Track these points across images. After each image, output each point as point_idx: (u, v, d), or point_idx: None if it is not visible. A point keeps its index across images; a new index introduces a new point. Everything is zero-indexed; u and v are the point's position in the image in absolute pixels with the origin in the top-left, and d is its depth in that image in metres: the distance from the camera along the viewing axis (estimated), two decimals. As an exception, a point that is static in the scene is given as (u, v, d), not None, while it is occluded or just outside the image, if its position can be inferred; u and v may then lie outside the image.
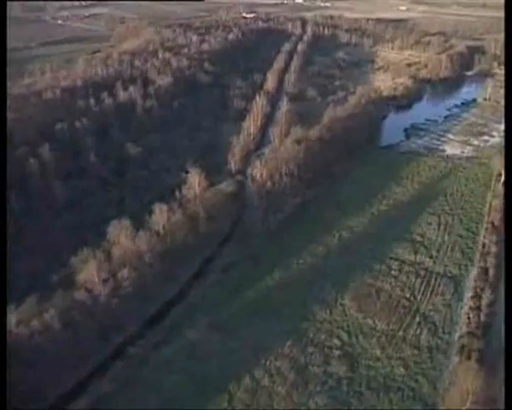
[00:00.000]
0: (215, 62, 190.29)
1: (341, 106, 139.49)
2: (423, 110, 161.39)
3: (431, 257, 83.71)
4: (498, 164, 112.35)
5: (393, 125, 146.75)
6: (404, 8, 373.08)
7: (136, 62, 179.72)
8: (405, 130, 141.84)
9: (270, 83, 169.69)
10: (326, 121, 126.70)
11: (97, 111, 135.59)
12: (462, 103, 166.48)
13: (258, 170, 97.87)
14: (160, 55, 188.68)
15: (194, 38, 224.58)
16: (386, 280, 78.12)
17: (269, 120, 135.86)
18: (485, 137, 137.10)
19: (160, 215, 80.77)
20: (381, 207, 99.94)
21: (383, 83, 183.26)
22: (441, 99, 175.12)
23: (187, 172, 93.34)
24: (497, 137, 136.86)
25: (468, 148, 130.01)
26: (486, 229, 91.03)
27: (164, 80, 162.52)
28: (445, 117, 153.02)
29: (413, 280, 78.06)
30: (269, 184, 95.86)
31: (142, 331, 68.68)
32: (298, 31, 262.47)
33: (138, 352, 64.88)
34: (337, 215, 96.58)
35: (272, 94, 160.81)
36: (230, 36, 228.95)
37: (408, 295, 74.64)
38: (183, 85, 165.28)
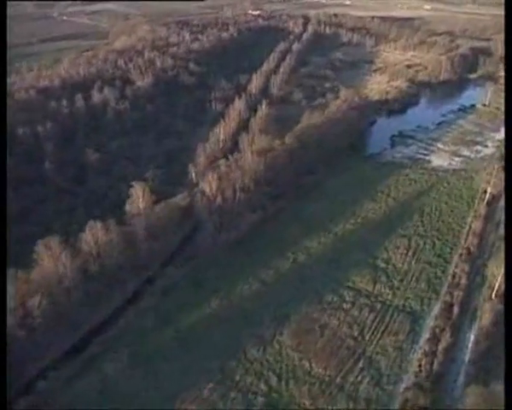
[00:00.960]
0: (202, 62, 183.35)
1: (323, 110, 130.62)
2: (416, 116, 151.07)
3: (391, 288, 74.88)
4: (486, 178, 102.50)
5: (380, 132, 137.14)
6: (428, 6, 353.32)
7: (120, 62, 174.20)
8: (392, 137, 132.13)
9: (256, 85, 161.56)
10: (302, 127, 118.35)
11: (67, 114, 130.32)
12: (460, 109, 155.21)
13: (210, 183, 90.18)
14: (146, 55, 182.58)
15: (187, 36, 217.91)
16: (334, 314, 69.74)
17: (244, 125, 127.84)
18: (478, 148, 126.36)
19: (92, 233, 74.02)
20: (347, 226, 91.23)
21: (377, 85, 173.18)
22: (438, 104, 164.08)
23: (130, 186, 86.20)
24: (490, 148, 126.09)
25: (457, 159, 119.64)
26: (460, 256, 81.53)
27: (144, 81, 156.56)
28: (438, 124, 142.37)
29: (366, 315, 69.45)
30: (220, 199, 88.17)
31: (54, 365, 62.57)
32: (298, 29, 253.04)
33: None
34: (296, 234, 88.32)
35: (255, 96, 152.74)
36: (224, 34, 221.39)
37: (356, 334, 66.16)
38: (164, 87, 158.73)
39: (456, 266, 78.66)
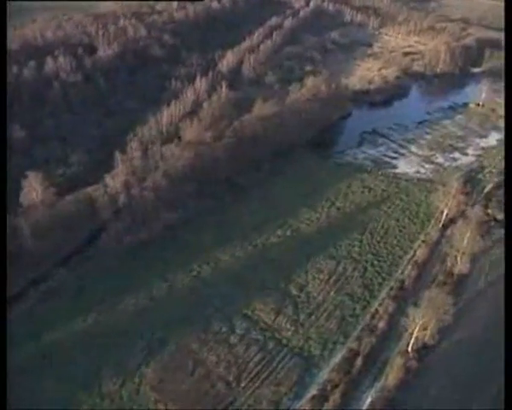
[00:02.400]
0: (180, 34, 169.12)
1: (287, 98, 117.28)
2: (399, 111, 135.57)
3: (295, 323, 63.85)
4: (453, 191, 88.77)
5: (352, 128, 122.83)
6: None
7: (91, 28, 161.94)
8: (362, 134, 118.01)
9: (229, 63, 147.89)
10: (252, 117, 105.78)
11: (10, 83, 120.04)
12: (450, 107, 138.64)
13: (118, 177, 79.52)
14: (121, 22, 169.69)
15: (175, 3, 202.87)
16: (216, 349, 59.52)
17: (197, 109, 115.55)
18: (456, 155, 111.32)
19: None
20: (271, 238, 79.71)
21: (365, 73, 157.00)
22: (427, 99, 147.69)
23: (25, 177, 76.18)
24: (470, 156, 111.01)
25: (427, 167, 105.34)
26: (391, 289, 69.58)
27: (108, 51, 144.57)
28: (420, 123, 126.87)
29: (251, 355, 58.92)
30: (126, 195, 77.52)
31: None
32: (299, 4, 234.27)
33: None
34: (211, 243, 77.58)
35: (223, 76, 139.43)
36: (215, 4, 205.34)
37: (231, 378, 55.88)
38: (129, 59, 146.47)
39: (380, 304, 66.83)
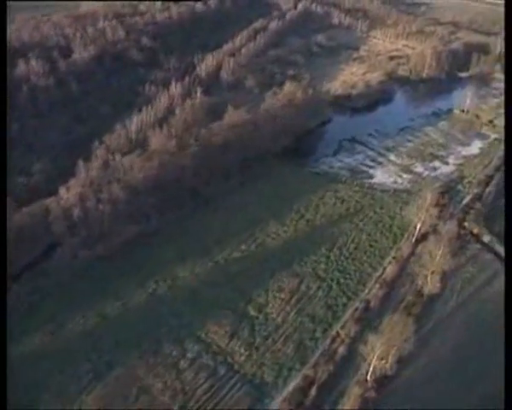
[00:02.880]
0: (160, 36, 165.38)
1: (262, 103, 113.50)
2: (380, 117, 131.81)
3: (249, 347, 59.99)
4: (428, 202, 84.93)
5: (330, 135, 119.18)
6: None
7: (70, 30, 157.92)
8: (340, 142, 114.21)
9: (208, 66, 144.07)
10: (223, 125, 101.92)
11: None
12: (434, 113, 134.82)
13: (74, 188, 75.57)
14: (101, 23, 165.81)
15: (159, 4, 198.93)
16: (163, 375, 55.84)
17: (169, 114, 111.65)
18: (436, 164, 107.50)
19: None
20: (234, 253, 75.85)
21: (349, 77, 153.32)
22: (410, 105, 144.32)
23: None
24: (450, 165, 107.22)
25: (405, 176, 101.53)
26: (355, 311, 65.71)
27: (83, 54, 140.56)
28: (401, 129, 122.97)
29: (200, 382, 55.29)
30: (79, 209, 73.57)
31: None
32: (288, 6, 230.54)
33: None
34: (171, 258, 73.95)
35: (200, 80, 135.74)
36: (199, 5, 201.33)
37: (176, 408, 52.01)
38: (106, 62, 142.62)
39: (342, 327, 62.99)
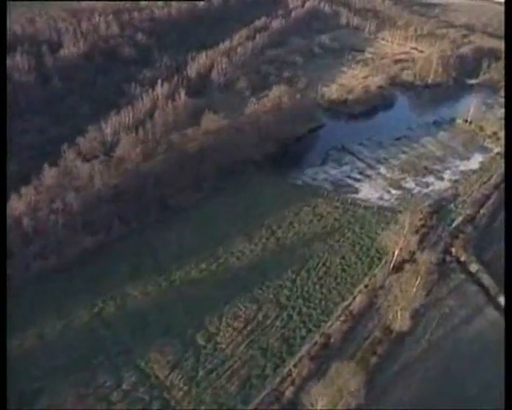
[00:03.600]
0: (157, 33, 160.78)
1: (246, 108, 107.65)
2: (377, 124, 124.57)
3: (190, 381, 54.36)
4: (413, 223, 77.94)
5: (320, 143, 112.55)
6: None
7: (64, 23, 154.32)
8: (328, 151, 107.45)
9: (200, 66, 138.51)
10: (202, 129, 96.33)
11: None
12: (435, 122, 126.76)
13: (26, 196, 71.01)
14: (96, 18, 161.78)
15: (161, 2, 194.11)
16: (91, 407, 50.69)
17: (148, 117, 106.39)
18: (430, 179, 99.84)
19: None
20: (193, 273, 70.06)
21: (349, 81, 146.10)
22: (411, 112, 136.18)
23: None
24: (445, 181, 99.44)
25: (394, 192, 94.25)
26: (314, 345, 59.43)
27: (72, 50, 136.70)
28: (397, 139, 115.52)
29: (129, 424, 49.91)
30: (30, 219, 68.91)
31: None
32: (295, 3, 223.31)
33: None
34: (124, 275, 68.33)
35: (189, 80, 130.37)
36: (201, 2, 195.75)
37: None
38: (96, 58, 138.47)
39: (296, 364, 56.81)
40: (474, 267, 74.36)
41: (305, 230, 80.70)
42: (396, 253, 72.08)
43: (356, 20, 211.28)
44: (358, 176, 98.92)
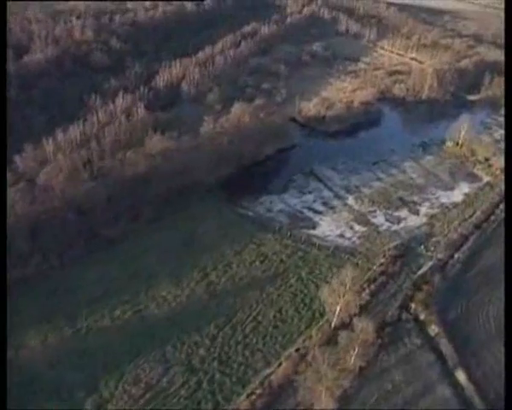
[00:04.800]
0: (134, 38, 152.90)
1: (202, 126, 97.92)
2: (355, 146, 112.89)
3: None
4: (372, 271, 67.20)
5: (285, 166, 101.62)
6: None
7: (36, 27, 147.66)
8: (293, 177, 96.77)
9: (172, 76, 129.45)
10: (147, 150, 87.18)
11: None
12: (422, 144, 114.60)
13: None
14: (74, 21, 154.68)
15: (147, 3, 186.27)
16: None
17: (98, 133, 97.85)
18: (403, 213, 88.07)
19: None
20: (103, 321, 60.81)
21: (334, 94, 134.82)
22: (397, 132, 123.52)
23: None
24: (421, 216, 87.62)
25: (358, 229, 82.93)
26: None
27: (39, 55, 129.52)
28: (375, 163, 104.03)
29: None
30: None
31: None
32: (295, 8, 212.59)
33: None
34: (25, 320, 59.34)
35: (158, 91, 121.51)
36: (191, 5, 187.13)
37: None
38: (64, 64, 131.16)
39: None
40: (433, 330, 62.93)
41: (243, 273, 70.42)
42: (338, 310, 61.20)
43: (356, 27, 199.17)
44: (321, 207, 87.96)
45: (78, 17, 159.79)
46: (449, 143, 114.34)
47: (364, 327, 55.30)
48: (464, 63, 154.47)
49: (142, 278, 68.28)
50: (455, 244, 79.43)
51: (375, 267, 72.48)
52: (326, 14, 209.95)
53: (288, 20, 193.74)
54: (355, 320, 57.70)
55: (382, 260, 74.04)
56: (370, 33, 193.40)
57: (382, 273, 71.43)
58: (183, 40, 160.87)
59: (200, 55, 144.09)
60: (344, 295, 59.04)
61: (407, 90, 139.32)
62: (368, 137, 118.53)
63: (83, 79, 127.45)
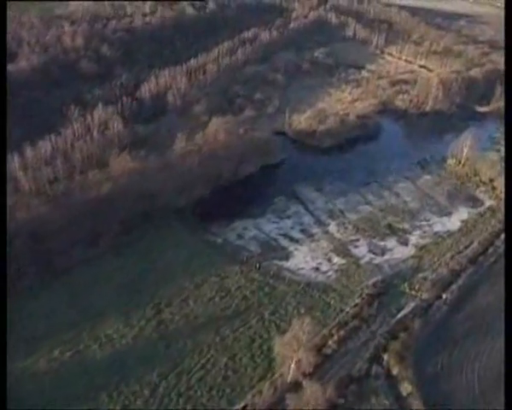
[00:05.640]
0: (127, 44, 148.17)
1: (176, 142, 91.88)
2: (347, 164, 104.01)
3: None
4: (345, 312, 59.62)
5: (268, 186, 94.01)
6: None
7: (26, 33, 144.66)
8: (272, 199, 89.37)
9: (157, 85, 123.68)
10: (114, 170, 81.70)
11: None
12: (421, 162, 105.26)
13: None
14: (66, 27, 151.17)
15: (147, 8, 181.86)
16: None
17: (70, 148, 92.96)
18: (390, 243, 79.47)
19: None
20: (38, 364, 55.26)
21: (331, 105, 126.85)
22: (396, 148, 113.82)
23: None
24: (409, 247, 78.98)
25: (336, 261, 74.78)
26: None
27: (24, 63, 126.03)
28: (366, 184, 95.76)
29: None
30: None
31: None
32: (300, 12, 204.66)
33: None
34: None
35: (141, 102, 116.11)
36: (191, 10, 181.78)
37: None
38: (50, 73, 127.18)
39: None
40: (406, 388, 54.86)
41: (200, 311, 63.75)
42: (292, 365, 53.81)
43: (364, 33, 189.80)
44: (299, 235, 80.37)
45: (72, 23, 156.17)
46: (450, 161, 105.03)
47: (317, 390, 47.83)
48: (475, 72, 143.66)
49: (89, 314, 62.50)
50: (444, 282, 70.74)
51: (348, 309, 64.78)
52: (334, 18, 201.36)
53: (292, 25, 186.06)
54: (307, 382, 50.23)
55: (358, 301, 66.22)
56: (379, 39, 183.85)
57: (355, 316, 63.60)
58: (180, 47, 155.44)
59: (193, 62, 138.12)
60: (299, 349, 51.66)
61: (410, 101, 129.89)
62: (363, 154, 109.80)
63: (68, 89, 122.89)
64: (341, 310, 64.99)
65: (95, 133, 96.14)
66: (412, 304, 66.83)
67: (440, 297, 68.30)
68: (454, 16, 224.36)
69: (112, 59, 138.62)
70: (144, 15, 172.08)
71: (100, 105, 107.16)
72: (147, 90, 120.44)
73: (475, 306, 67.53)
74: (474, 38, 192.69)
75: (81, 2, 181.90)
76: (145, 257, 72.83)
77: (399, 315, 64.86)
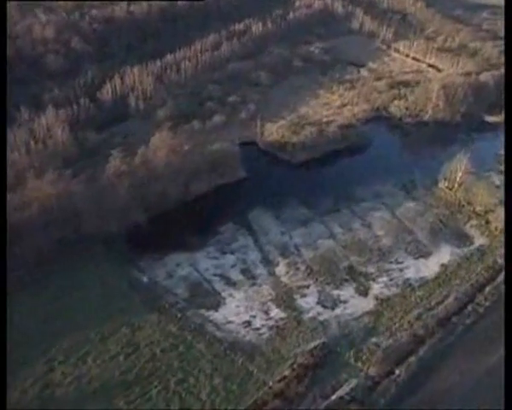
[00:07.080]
0: (103, 38, 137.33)
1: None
2: (317, 185, 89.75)
3: None
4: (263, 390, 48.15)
5: (217, 211, 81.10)
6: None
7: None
8: (218, 228, 77.17)
9: (121, 85, 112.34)
10: (30, 194, 71.42)
11: None
12: (405, 185, 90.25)
13: None
14: (42, 17, 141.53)
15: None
16: None
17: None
18: (346, 292, 65.84)
19: None
20: None
21: (316, 111, 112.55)
22: (380, 168, 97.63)
23: None
24: (369, 298, 65.29)
25: (274, 315, 61.75)
26: None
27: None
28: (335, 211, 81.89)
29: None
30: None
31: None
32: (304, 1, 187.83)
33: None
34: None
35: (101, 104, 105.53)
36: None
37: None
38: (12, 68, 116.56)
39: None
40: None
41: (96, 373, 53.03)
42: None
43: (372, 25, 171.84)
44: (238, 276, 68.09)
45: (50, 10, 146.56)
46: (442, 184, 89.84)
47: None
48: (487, 74, 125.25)
49: None
50: (400, 352, 57.50)
51: (271, 383, 52.84)
52: (340, 8, 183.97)
53: (291, 15, 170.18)
54: None
55: (287, 372, 54.04)
56: (387, 32, 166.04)
57: (278, 395, 51.55)
58: (160, 40, 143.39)
59: (169, 59, 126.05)
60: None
61: (406, 108, 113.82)
62: (339, 173, 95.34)
63: (26, 87, 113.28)
64: (264, 383, 53.10)
65: (32, 144, 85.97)
66: (354, 382, 54.03)
67: (392, 373, 55.37)
68: (477, 7, 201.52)
69: (82, 53, 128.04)
70: (128, 4, 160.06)
71: (50, 108, 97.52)
72: (109, 90, 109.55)
73: (435, 388, 54.02)
74: (495, 33, 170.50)
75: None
76: (52, 299, 62.64)
77: (333, 397, 52.35)
